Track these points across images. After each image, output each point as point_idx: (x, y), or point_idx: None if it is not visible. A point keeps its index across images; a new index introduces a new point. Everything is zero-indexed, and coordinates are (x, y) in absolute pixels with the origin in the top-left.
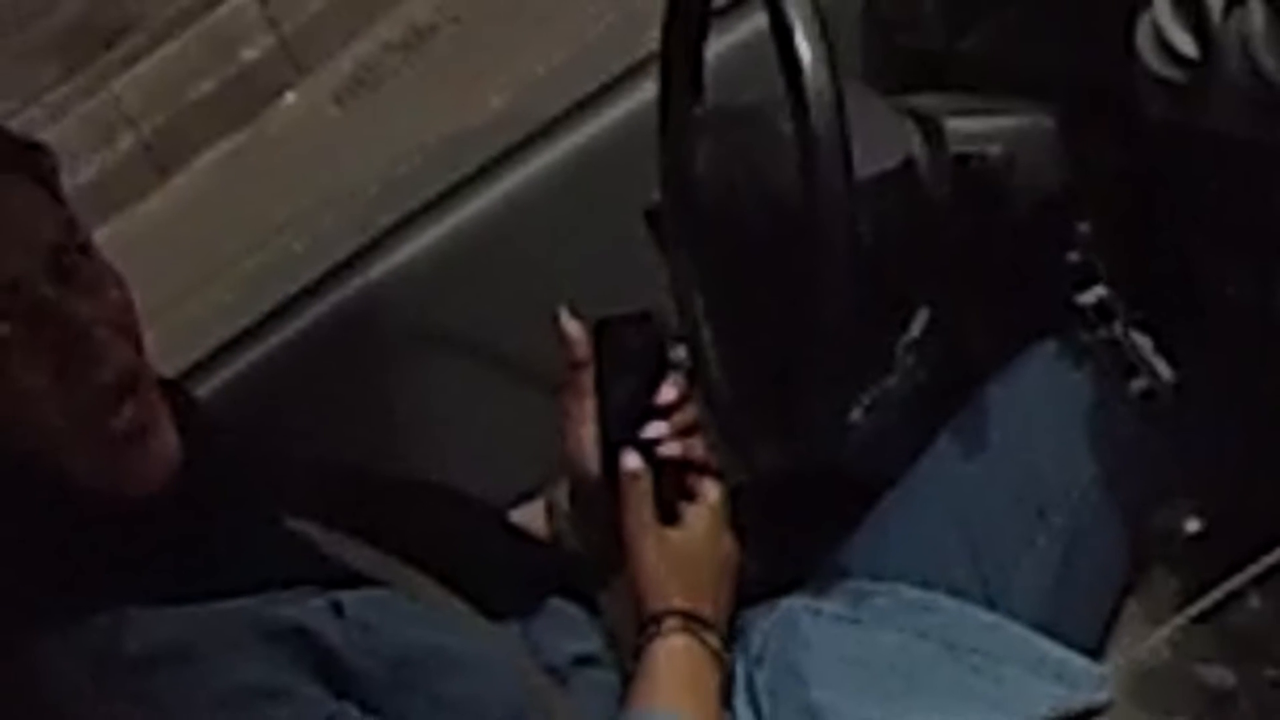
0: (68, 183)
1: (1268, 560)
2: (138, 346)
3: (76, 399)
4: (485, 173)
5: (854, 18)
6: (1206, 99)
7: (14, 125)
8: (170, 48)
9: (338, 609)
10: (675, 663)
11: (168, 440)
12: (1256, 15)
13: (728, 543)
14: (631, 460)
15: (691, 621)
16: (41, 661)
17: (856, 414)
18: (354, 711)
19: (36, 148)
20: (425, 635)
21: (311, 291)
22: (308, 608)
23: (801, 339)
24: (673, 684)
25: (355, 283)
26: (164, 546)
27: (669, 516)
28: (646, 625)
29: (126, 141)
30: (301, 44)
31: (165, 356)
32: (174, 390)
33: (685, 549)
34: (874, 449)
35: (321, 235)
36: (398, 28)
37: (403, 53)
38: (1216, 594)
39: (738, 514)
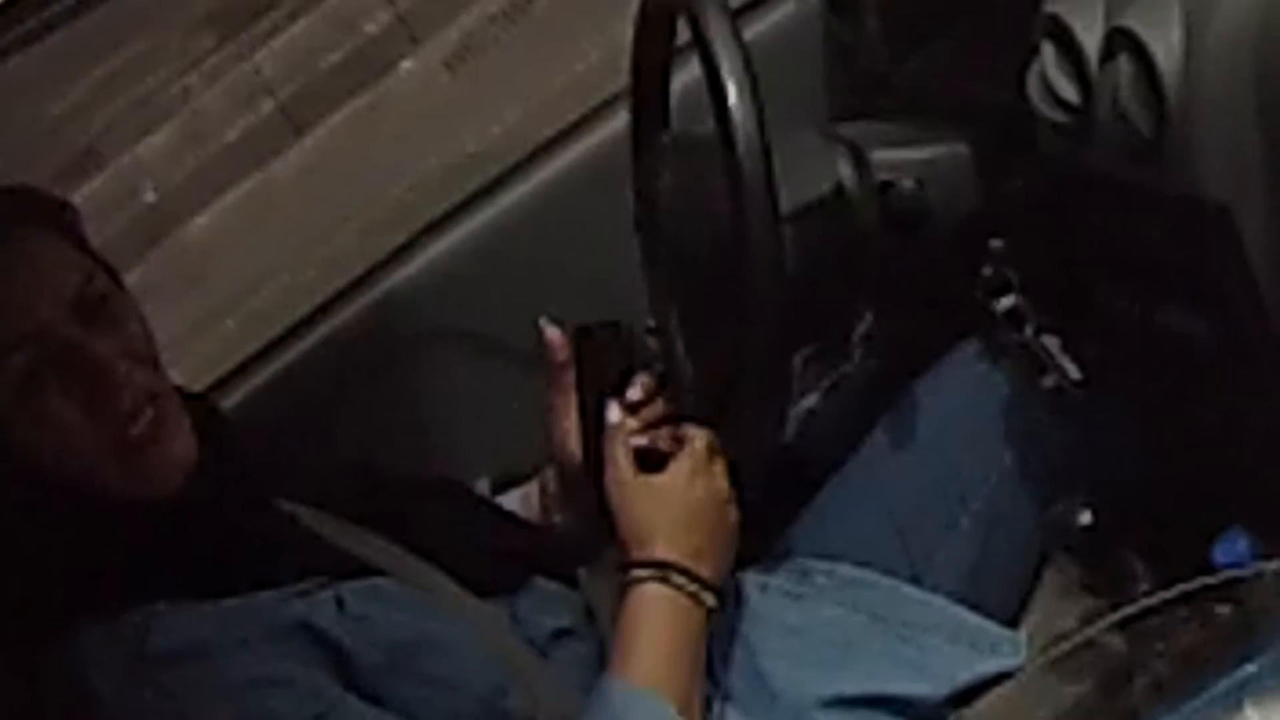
0: (216, 143)
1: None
2: (155, 365)
3: (100, 422)
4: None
5: (817, 39)
6: (1087, 140)
7: (175, 89)
8: (302, 24)
9: (340, 603)
10: (651, 621)
11: (185, 444)
12: (1124, 68)
13: (715, 486)
14: (614, 413)
15: (671, 572)
16: (84, 655)
17: (814, 399)
18: (352, 699)
19: (64, 205)
20: (416, 622)
21: (357, 284)
22: (313, 603)
23: (743, 349)
24: (645, 647)
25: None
26: (186, 546)
27: (653, 470)
28: (627, 575)
29: (266, 106)
30: (415, 18)
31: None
32: (195, 400)
33: (667, 495)
34: (834, 430)
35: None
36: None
37: (504, 23)
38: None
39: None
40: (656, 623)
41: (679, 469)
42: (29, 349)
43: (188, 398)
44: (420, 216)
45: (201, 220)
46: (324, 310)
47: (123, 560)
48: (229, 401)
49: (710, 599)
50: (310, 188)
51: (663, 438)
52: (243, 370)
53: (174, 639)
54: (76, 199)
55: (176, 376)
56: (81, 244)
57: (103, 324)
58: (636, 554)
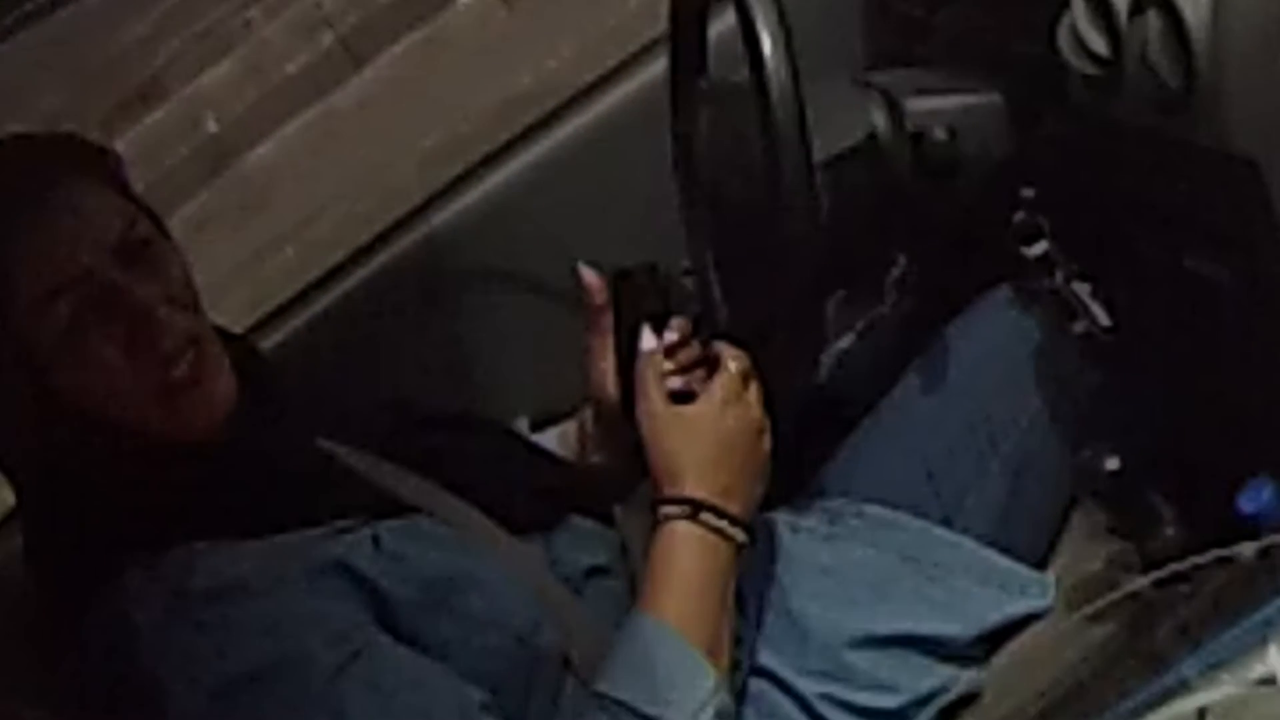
0: (277, 74)
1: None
2: (196, 309)
3: (142, 365)
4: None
5: None
6: (1116, 92)
7: (237, 23)
8: None
9: (376, 541)
10: (680, 558)
11: (224, 386)
12: (1153, 22)
13: (749, 415)
14: (648, 339)
15: (701, 510)
16: (127, 591)
17: (848, 341)
18: (386, 637)
19: (106, 152)
20: (451, 560)
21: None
22: (350, 541)
23: (777, 292)
24: (675, 584)
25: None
26: (226, 485)
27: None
28: (658, 512)
29: (326, 39)
30: None
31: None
32: (235, 341)
33: (698, 427)
34: (867, 372)
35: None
36: None
37: None
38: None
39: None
40: (686, 560)
41: (711, 398)
42: (73, 294)
43: (228, 339)
44: (475, 151)
45: (262, 150)
46: (368, 249)
47: (165, 499)
48: (273, 339)
49: (739, 534)
50: (369, 120)
51: (696, 379)
52: (287, 309)
53: (213, 577)
54: (139, 130)
55: (234, 305)
56: (124, 190)
57: (145, 269)
58: (667, 490)
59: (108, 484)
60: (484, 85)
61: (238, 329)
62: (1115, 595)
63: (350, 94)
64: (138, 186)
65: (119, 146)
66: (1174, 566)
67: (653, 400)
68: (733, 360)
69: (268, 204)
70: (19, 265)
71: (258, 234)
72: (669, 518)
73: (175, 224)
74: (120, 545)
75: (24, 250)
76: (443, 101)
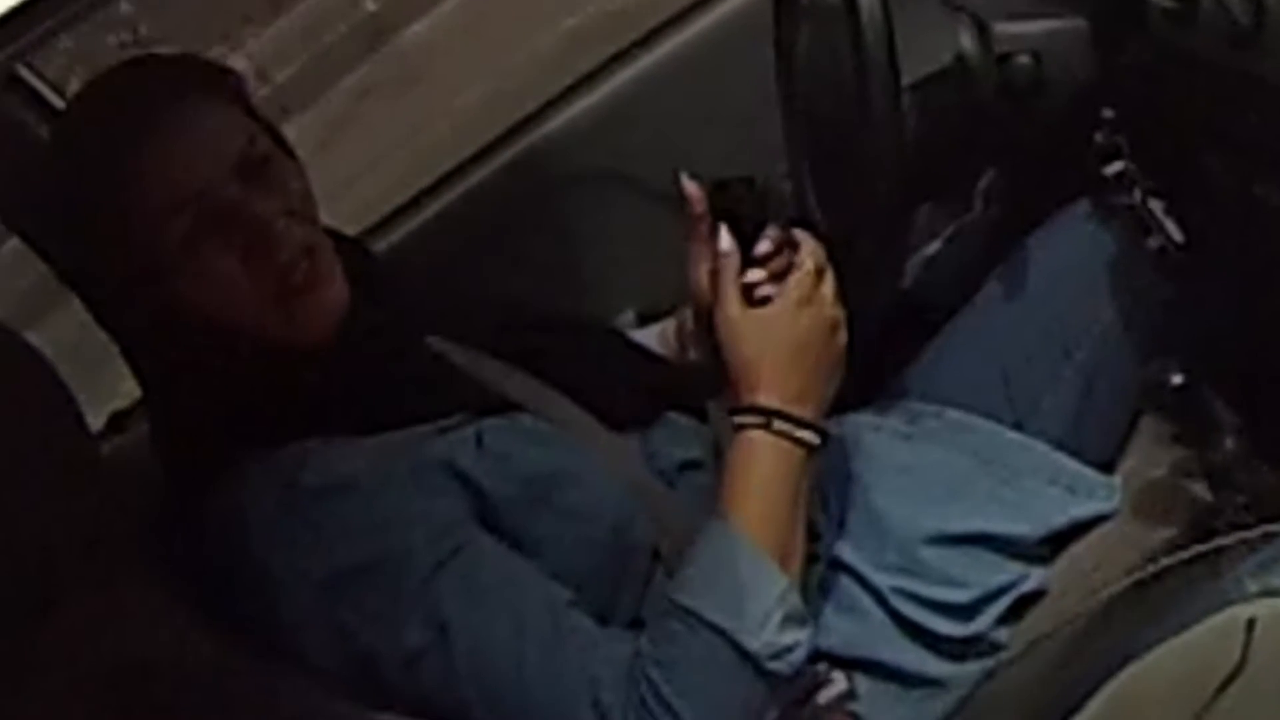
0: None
1: None
2: (312, 220)
3: (260, 275)
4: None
5: None
6: (1192, 24)
7: None
8: None
9: (479, 439)
10: (755, 467)
11: (338, 290)
12: None
13: (823, 314)
14: (725, 241)
15: (775, 419)
16: (242, 487)
17: (936, 246)
18: (486, 535)
19: (228, 72)
20: (551, 457)
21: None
22: (453, 440)
23: (865, 203)
24: (750, 493)
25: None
26: (339, 386)
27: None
28: (735, 420)
29: None
30: None
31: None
32: (350, 246)
33: (773, 330)
34: (954, 276)
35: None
36: None
37: None
38: None
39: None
40: (760, 469)
41: (786, 299)
42: (194, 208)
43: (341, 242)
44: (589, 55)
45: (418, 28)
46: (485, 153)
47: (280, 399)
48: (392, 239)
49: (813, 438)
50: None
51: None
52: (405, 210)
53: (323, 474)
54: (303, 9)
55: (395, 171)
56: (246, 108)
57: (264, 183)
58: (744, 397)
59: (226, 384)
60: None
61: (396, 196)
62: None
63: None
64: (301, 60)
65: (285, 23)
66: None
67: (727, 303)
68: (809, 256)
69: (422, 78)
70: (143, 179)
71: (412, 107)
72: (744, 427)
73: (335, 95)
74: (237, 442)
75: (148, 165)
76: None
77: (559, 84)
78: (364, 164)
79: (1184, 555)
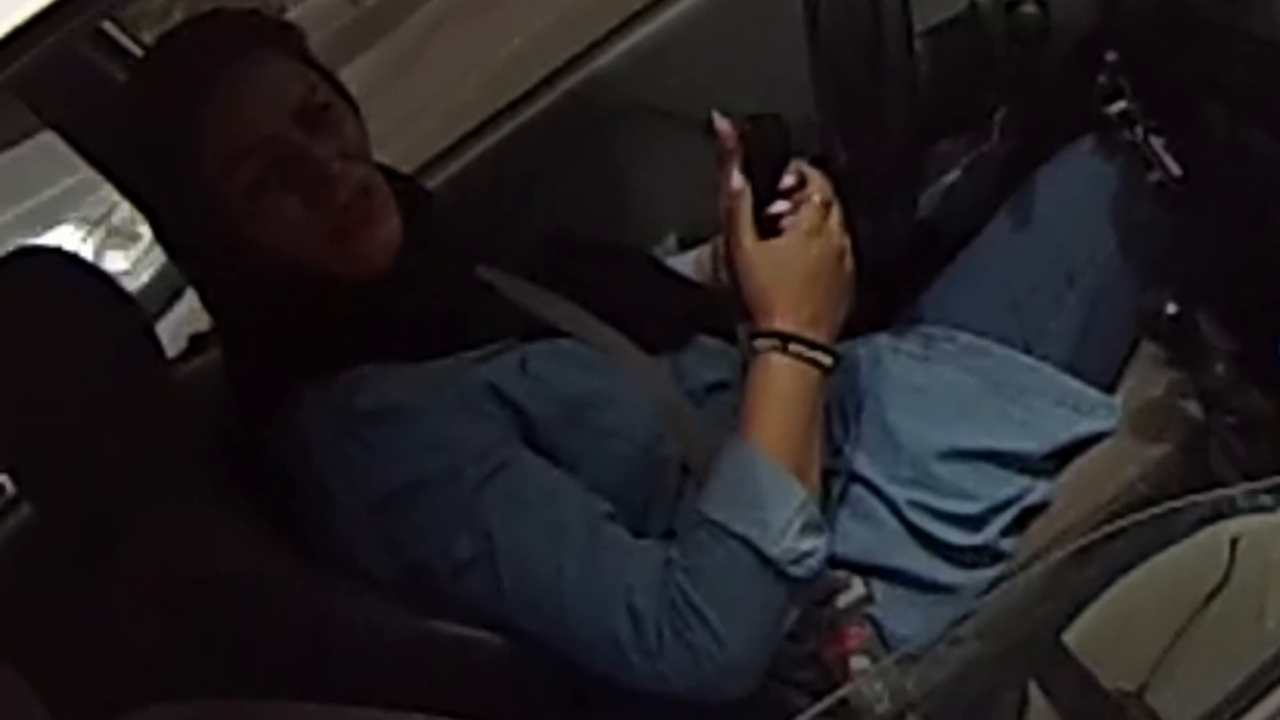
0: None
1: None
2: (367, 160)
3: (319, 214)
4: None
5: None
6: None
7: None
8: None
9: (523, 364)
10: (774, 388)
11: (391, 226)
12: None
13: (832, 243)
14: (735, 179)
15: (791, 341)
16: (303, 410)
17: (955, 175)
18: (528, 453)
19: (289, 26)
20: (588, 379)
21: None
22: (498, 365)
23: (883, 140)
24: (770, 412)
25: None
26: (392, 315)
27: (775, 234)
28: (751, 345)
29: None
30: None
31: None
32: (404, 182)
33: (786, 259)
34: (972, 204)
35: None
36: None
37: None
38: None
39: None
40: (778, 389)
41: (796, 230)
42: (258, 155)
43: (395, 179)
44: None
45: None
46: (534, 92)
47: (338, 329)
48: (449, 172)
49: (827, 359)
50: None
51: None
52: (461, 144)
53: (376, 399)
54: None
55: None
56: (306, 58)
57: (323, 129)
58: (760, 323)
59: (289, 315)
60: None
61: (459, 128)
62: None
63: None
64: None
65: None
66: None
67: (742, 235)
68: (816, 191)
69: (492, 8)
70: (210, 127)
71: (479, 39)
72: (763, 350)
73: (411, 24)
74: (298, 369)
75: (215, 114)
76: None
77: (609, 22)
78: (434, 93)
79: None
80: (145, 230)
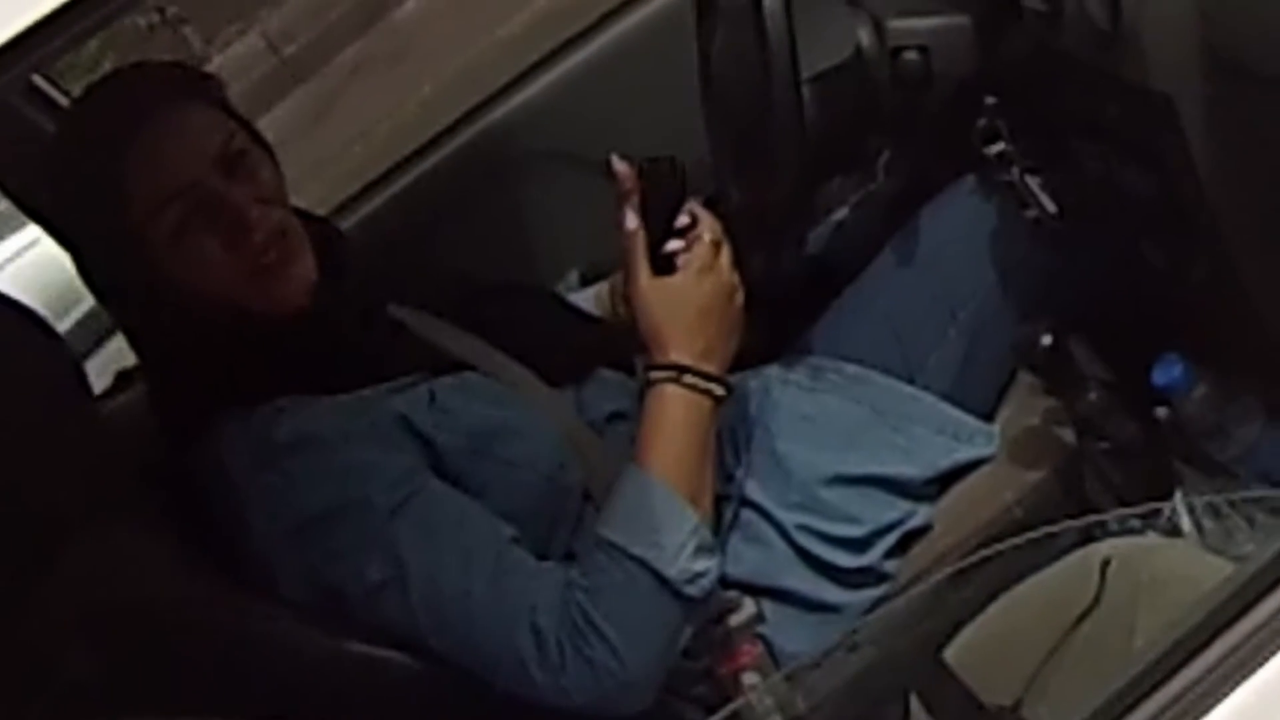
0: None
1: None
2: (283, 203)
3: (239, 255)
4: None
5: None
6: (1060, 26)
7: None
8: None
9: (432, 396)
10: (668, 417)
11: (307, 266)
12: None
13: (722, 280)
14: (630, 219)
15: (685, 373)
16: (223, 442)
17: (844, 213)
18: (437, 481)
19: (209, 77)
20: (494, 411)
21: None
22: (409, 398)
23: (772, 182)
24: (664, 441)
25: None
26: (308, 351)
27: (669, 271)
28: (646, 377)
29: None
30: None
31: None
32: (318, 224)
33: (680, 296)
34: (859, 241)
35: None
36: None
37: None
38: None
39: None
40: (672, 418)
41: (689, 268)
42: (182, 201)
43: (310, 222)
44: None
45: (410, 5)
46: (445, 134)
47: (258, 365)
48: (362, 213)
49: (719, 390)
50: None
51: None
52: (373, 186)
53: (293, 430)
54: None
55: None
56: (224, 108)
57: (242, 175)
58: (656, 356)
59: (210, 352)
60: None
61: (376, 168)
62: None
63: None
64: (303, 38)
65: (291, 5)
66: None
67: (636, 274)
68: (707, 230)
69: (409, 55)
70: (135, 174)
71: (400, 78)
72: (657, 381)
73: (332, 69)
74: (220, 402)
75: (139, 162)
76: None
77: (513, 70)
78: (352, 136)
79: (1055, 495)
80: None
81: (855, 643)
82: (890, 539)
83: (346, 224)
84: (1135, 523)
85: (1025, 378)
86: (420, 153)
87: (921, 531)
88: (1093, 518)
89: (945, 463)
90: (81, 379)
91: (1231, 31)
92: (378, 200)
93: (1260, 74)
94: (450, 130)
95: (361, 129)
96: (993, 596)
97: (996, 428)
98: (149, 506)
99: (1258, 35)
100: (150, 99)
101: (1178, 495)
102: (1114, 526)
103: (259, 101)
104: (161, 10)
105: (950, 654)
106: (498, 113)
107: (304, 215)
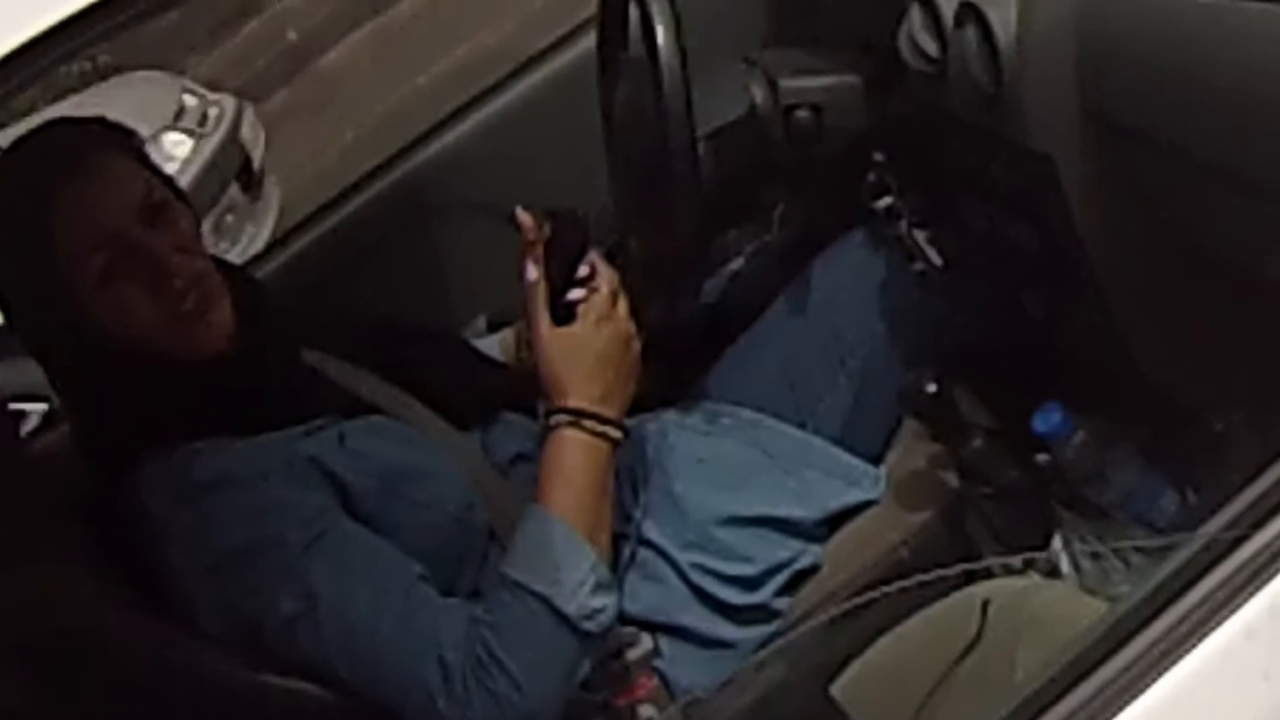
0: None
1: None
2: (200, 253)
3: (159, 302)
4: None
5: None
6: (944, 87)
7: None
8: None
9: (342, 439)
10: (567, 459)
11: (224, 312)
12: (971, 35)
13: (619, 328)
14: (531, 272)
15: (583, 418)
16: (145, 481)
17: (739, 263)
18: (347, 520)
19: (131, 134)
20: (403, 453)
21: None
22: (321, 440)
23: (669, 232)
24: (564, 481)
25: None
26: (225, 394)
27: (570, 320)
28: (548, 421)
29: None
30: None
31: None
32: (235, 273)
33: (578, 344)
34: (754, 290)
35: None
36: None
37: None
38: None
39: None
40: (571, 461)
41: (587, 318)
42: (105, 250)
43: (228, 270)
44: (440, 108)
45: (332, 55)
46: (360, 183)
47: (177, 408)
48: (279, 260)
49: (616, 434)
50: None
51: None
52: (293, 233)
53: (212, 470)
54: (237, 40)
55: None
56: (145, 162)
57: (161, 226)
58: (556, 401)
59: (132, 394)
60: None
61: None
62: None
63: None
64: (229, 86)
65: (221, 51)
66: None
67: (539, 324)
68: (605, 282)
69: (332, 102)
70: (60, 225)
71: (324, 124)
72: (557, 425)
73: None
74: (141, 442)
75: (64, 213)
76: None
77: (429, 120)
78: (274, 183)
79: (939, 536)
80: None
81: (747, 677)
82: (781, 578)
83: (266, 269)
84: (1015, 564)
85: (911, 424)
86: (336, 201)
87: (811, 570)
88: (976, 564)
89: (834, 504)
90: (9, 418)
91: (1108, 93)
92: (294, 249)
93: (1135, 133)
94: (368, 178)
95: (284, 175)
96: (879, 633)
97: (883, 471)
98: (75, 542)
99: (1133, 96)
100: (74, 152)
101: (1057, 538)
102: (995, 569)
103: None
104: (94, 59)
105: (838, 688)
106: (412, 162)
107: (221, 264)
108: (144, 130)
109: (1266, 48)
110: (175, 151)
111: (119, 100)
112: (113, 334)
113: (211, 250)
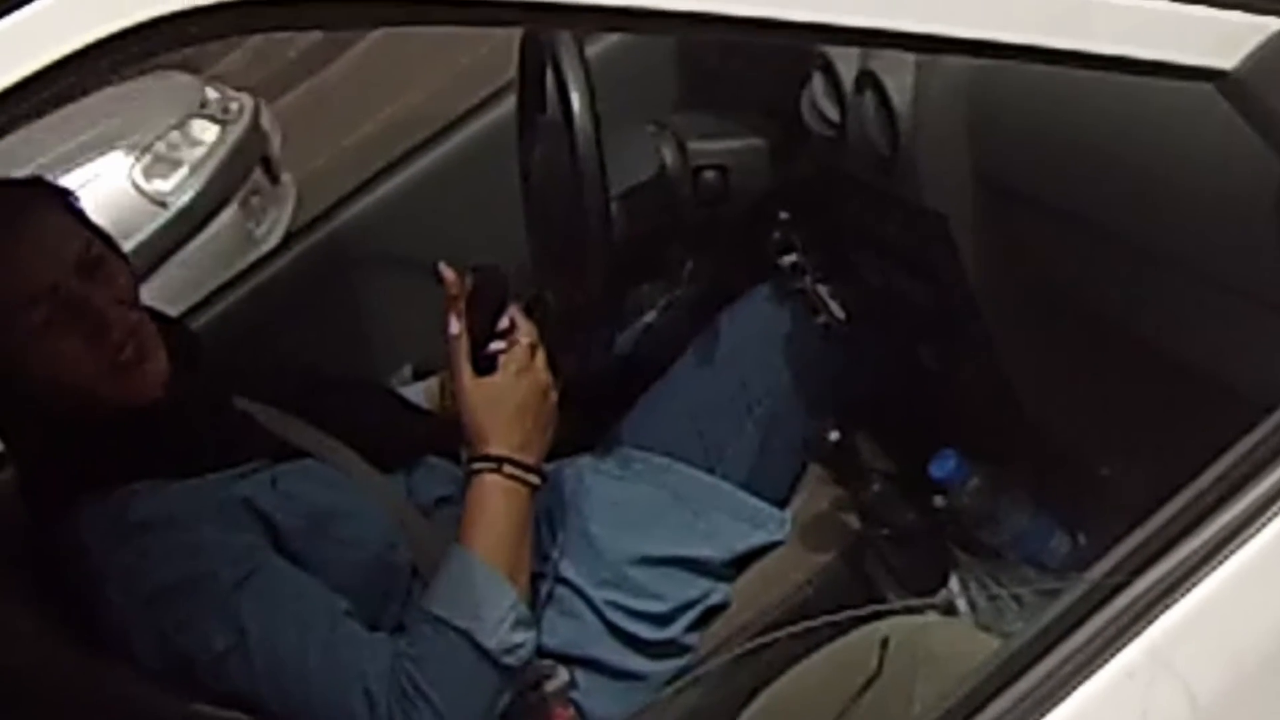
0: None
1: None
2: (136, 305)
3: (97, 352)
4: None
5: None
6: (844, 150)
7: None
8: None
9: (274, 482)
10: (489, 504)
11: (160, 361)
12: (870, 101)
13: (538, 379)
14: (453, 325)
15: (504, 464)
16: (83, 522)
17: (652, 316)
18: (277, 559)
19: (66, 192)
20: (331, 494)
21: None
22: (253, 482)
23: (583, 287)
24: (485, 525)
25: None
26: (162, 439)
27: (491, 371)
28: (469, 467)
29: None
30: None
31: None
32: (171, 325)
33: (499, 394)
34: (665, 342)
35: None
36: None
37: None
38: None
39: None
40: (493, 505)
41: (507, 369)
42: (45, 303)
43: (164, 322)
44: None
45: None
46: (292, 238)
47: (114, 452)
48: (211, 315)
49: (535, 479)
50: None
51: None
52: (226, 287)
53: (147, 511)
54: None
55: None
56: (82, 219)
57: (98, 280)
58: (478, 448)
59: (72, 439)
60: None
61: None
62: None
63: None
64: None
65: None
66: None
67: (461, 375)
68: (524, 335)
69: None
70: (1, 281)
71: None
72: (479, 471)
73: None
74: (80, 485)
75: (4, 267)
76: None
77: (363, 175)
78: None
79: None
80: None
81: (659, 708)
82: (692, 614)
83: (200, 320)
84: (913, 603)
85: (815, 469)
86: (268, 256)
87: (720, 608)
88: (876, 607)
89: (742, 546)
90: None
91: (998, 157)
92: (229, 298)
93: (1024, 194)
94: (298, 234)
95: None
96: (785, 668)
97: (789, 514)
98: (15, 581)
99: (1022, 159)
100: (13, 208)
101: (953, 578)
102: (894, 607)
103: None
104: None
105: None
106: (340, 219)
107: (157, 316)
108: (173, 117)
109: (1150, 117)
110: (203, 136)
111: (147, 93)
112: (52, 383)
113: (239, 228)
